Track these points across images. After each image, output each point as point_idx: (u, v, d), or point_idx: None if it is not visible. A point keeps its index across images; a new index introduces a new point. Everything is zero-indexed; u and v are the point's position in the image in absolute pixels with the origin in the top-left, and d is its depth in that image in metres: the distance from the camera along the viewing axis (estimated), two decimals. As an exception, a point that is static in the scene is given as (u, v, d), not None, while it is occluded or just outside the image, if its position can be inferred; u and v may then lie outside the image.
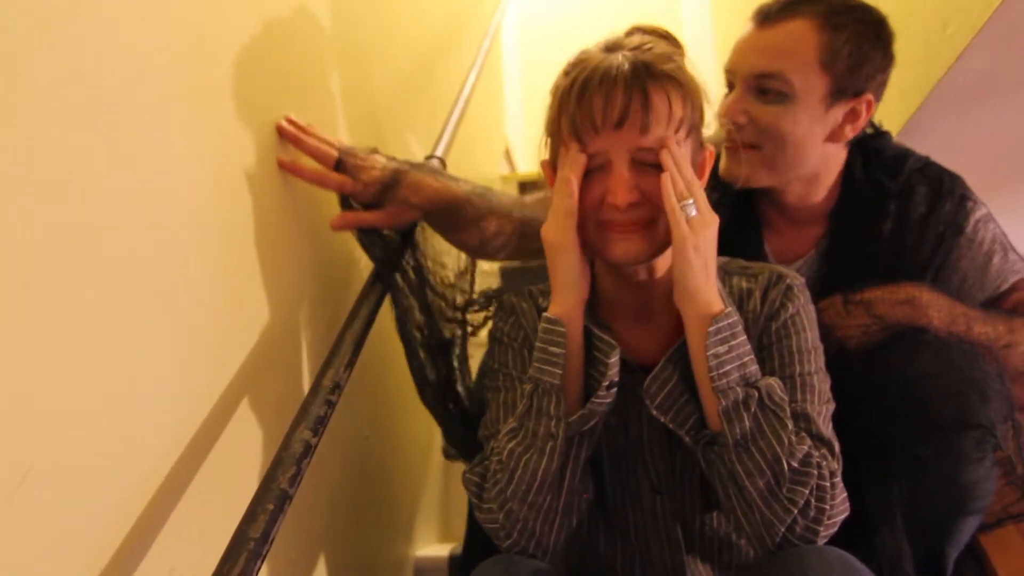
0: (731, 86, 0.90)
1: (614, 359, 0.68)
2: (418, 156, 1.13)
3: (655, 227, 0.67)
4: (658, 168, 0.65)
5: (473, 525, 0.97)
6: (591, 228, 0.69)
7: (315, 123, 0.91)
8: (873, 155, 0.93)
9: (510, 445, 0.68)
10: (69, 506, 0.45)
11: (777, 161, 0.87)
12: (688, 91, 0.67)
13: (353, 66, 1.09)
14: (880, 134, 0.95)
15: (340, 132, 1.01)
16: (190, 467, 0.57)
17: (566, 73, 0.70)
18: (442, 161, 1.12)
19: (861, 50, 0.83)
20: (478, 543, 0.95)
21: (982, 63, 0.99)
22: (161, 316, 0.55)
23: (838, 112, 0.85)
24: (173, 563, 0.54)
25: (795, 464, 0.62)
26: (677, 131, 0.66)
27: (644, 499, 0.75)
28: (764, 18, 0.87)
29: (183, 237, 0.60)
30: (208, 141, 0.65)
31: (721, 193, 0.94)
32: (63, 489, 0.44)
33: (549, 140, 0.74)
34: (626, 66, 0.65)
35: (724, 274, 0.75)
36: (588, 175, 0.67)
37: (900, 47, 1.13)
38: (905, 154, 0.93)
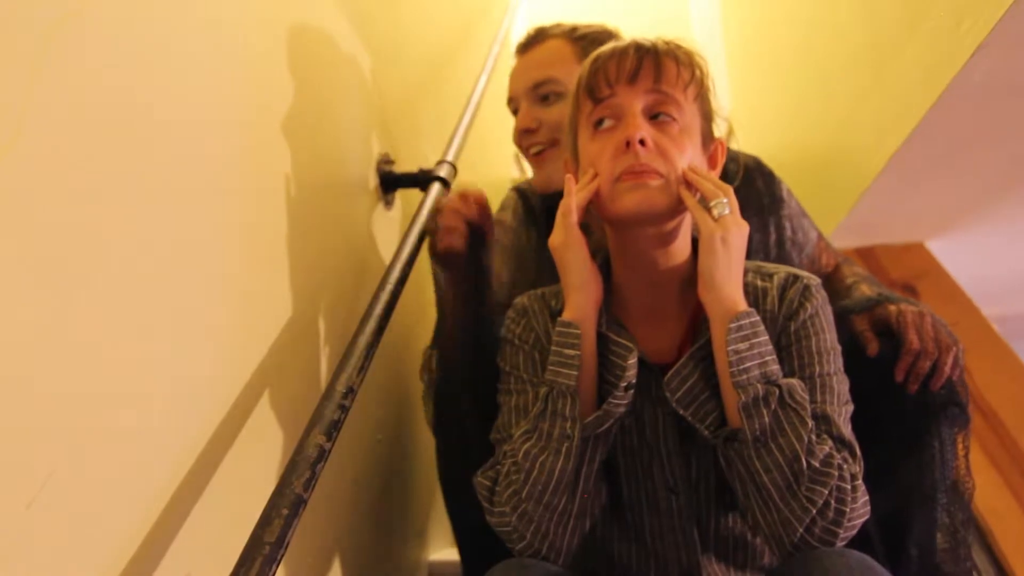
0: (516, 112, 1.05)
1: (632, 361, 0.68)
2: (430, 161, 1.14)
3: (668, 183, 0.68)
4: (670, 125, 0.70)
5: (464, 534, 0.96)
6: (607, 189, 0.69)
7: (327, 128, 0.92)
8: None
9: (525, 446, 0.68)
10: (87, 511, 0.45)
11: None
12: (696, 63, 0.72)
13: (365, 71, 1.10)
14: None
15: (352, 137, 1.02)
16: (205, 472, 0.57)
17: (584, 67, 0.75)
18: (453, 166, 1.13)
19: None
20: (476, 551, 0.95)
21: (997, 60, 0.98)
22: (178, 321, 0.56)
23: None
24: (189, 568, 0.54)
25: (815, 463, 0.61)
26: (685, 90, 0.70)
27: (660, 500, 0.75)
28: (523, 48, 1.05)
29: (201, 240, 0.60)
30: (226, 145, 0.65)
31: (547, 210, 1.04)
32: (81, 495, 0.45)
33: (569, 139, 0.76)
34: (638, 40, 0.72)
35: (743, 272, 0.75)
36: (603, 138, 0.70)
37: (912, 45, 1.12)
38: None
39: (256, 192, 0.71)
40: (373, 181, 1.09)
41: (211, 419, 0.59)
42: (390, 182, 1.12)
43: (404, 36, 1.37)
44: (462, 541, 0.98)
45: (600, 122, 0.71)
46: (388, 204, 1.14)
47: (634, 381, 0.68)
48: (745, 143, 0.95)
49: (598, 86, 0.71)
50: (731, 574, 0.76)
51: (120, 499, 0.48)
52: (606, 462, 0.73)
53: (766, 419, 0.63)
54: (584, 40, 1.00)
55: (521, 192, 1.15)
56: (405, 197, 1.21)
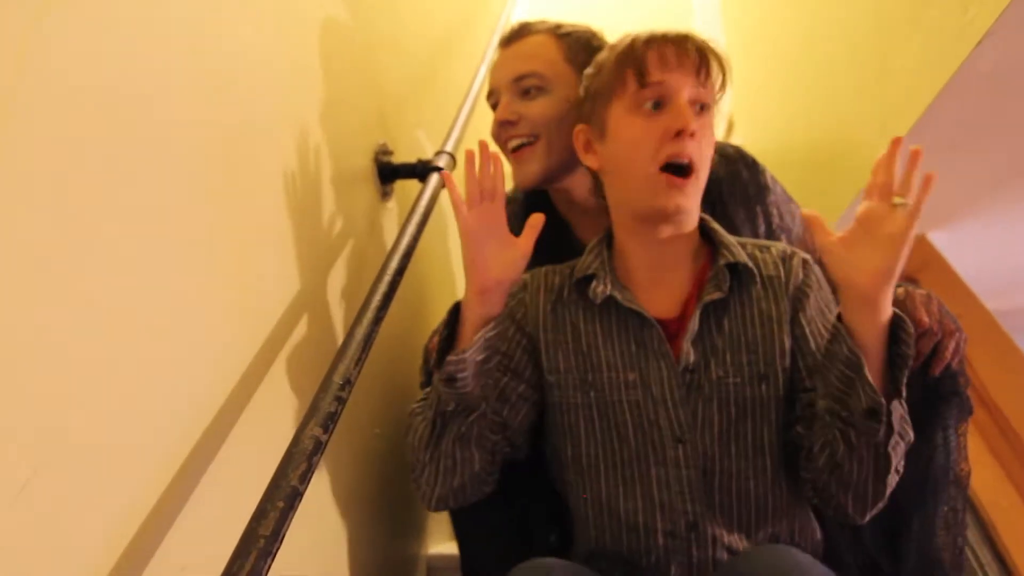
0: (495, 106, 1.04)
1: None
2: (428, 152, 1.13)
3: (699, 181, 0.76)
4: (706, 117, 0.76)
5: (464, 528, 0.96)
6: (645, 177, 0.74)
7: (325, 118, 0.91)
8: None
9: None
10: (78, 504, 0.44)
11: (554, 146, 0.96)
12: (728, 66, 0.78)
13: (364, 62, 1.09)
14: None
15: (351, 128, 1.01)
16: (200, 464, 0.57)
17: (611, 47, 0.79)
18: (452, 157, 1.12)
19: (588, 50, 0.98)
20: (475, 545, 0.95)
21: (1004, 48, 0.97)
22: (173, 313, 0.55)
23: None
24: (184, 561, 0.54)
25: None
26: (719, 89, 0.77)
27: (667, 449, 0.76)
28: (507, 41, 1.03)
29: (197, 233, 0.59)
30: (222, 137, 0.64)
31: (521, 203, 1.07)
32: (71, 487, 0.44)
33: (595, 106, 0.80)
34: (691, 34, 0.77)
35: (741, 245, 0.82)
36: (648, 120, 0.75)
37: (917, 33, 1.10)
38: None
39: (253, 183, 0.70)
40: (371, 172, 1.08)
41: (207, 410, 0.58)
42: (388, 173, 1.11)
43: (404, 26, 1.35)
44: (461, 535, 0.97)
45: (655, 104, 0.75)
46: (386, 195, 1.13)
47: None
48: (747, 135, 0.95)
49: (653, 68, 0.74)
50: (734, 531, 0.76)
51: (113, 491, 0.47)
52: (610, 419, 0.77)
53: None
54: (569, 38, 1.01)
55: None
56: (403, 188, 1.20)
